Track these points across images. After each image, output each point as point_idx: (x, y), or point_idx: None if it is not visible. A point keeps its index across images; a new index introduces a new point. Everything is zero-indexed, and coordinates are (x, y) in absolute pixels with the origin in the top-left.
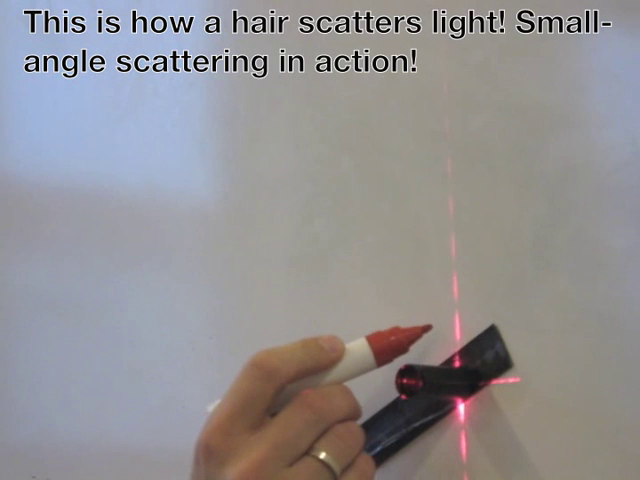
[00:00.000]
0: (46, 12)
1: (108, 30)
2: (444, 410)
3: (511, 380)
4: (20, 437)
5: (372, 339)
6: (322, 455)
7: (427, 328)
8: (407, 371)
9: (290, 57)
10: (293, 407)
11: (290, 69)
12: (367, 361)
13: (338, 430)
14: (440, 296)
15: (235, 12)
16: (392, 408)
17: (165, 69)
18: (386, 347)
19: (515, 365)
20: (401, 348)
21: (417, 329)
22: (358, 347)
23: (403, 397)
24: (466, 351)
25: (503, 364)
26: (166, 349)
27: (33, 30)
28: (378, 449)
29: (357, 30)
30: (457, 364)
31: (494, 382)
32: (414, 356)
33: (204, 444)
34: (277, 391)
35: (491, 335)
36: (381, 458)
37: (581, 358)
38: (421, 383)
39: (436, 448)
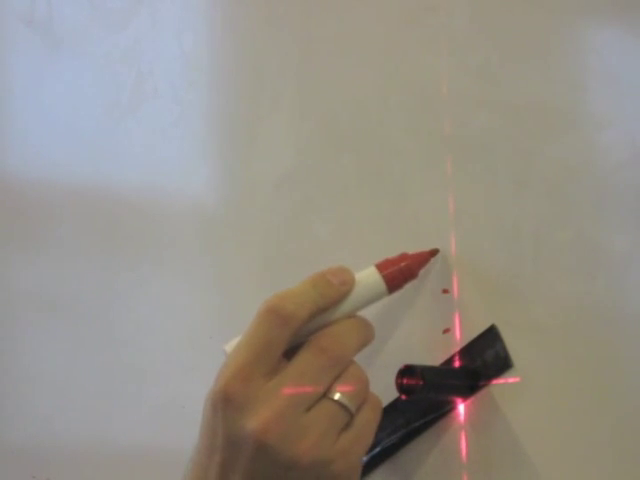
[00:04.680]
0: (46, 12)
1: (108, 30)
2: (444, 410)
3: (511, 380)
4: (20, 437)
5: (381, 266)
6: (337, 396)
7: (434, 252)
8: (407, 371)
9: (290, 57)
10: (308, 352)
11: (290, 69)
12: (378, 289)
13: (351, 370)
14: (440, 297)
15: (236, 11)
16: (392, 408)
17: (165, 69)
18: (396, 273)
19: (515, 365)
20: (411, 273)
21: (425, 253)
22: (368, 276)
23: (403, 397)
24: (466, 351)
25: (503, 364)
26: (166, 349)
27: (33, 30)
28: (378, 449)
29: (357, 30)
30: (457, 364)
31: (494, 382)
32: (414, 356)
33: (222, 391)
34: (290, 333)
35: (491, 335)
36: (381, 458)
37: (581, 358)
38: (421, 383)
39: (436, 448)
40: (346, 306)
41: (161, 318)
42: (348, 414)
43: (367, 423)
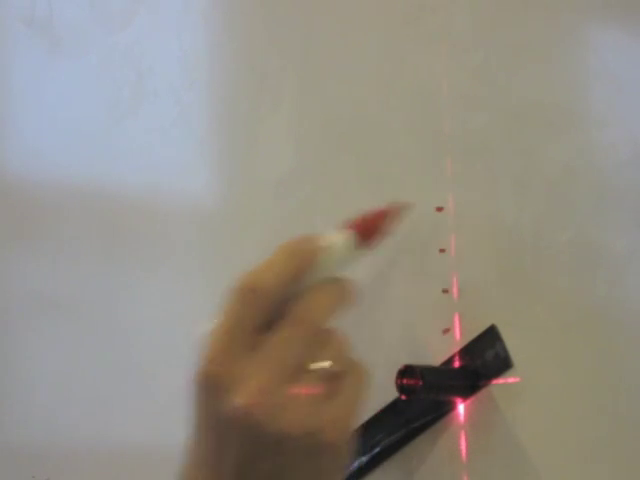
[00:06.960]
0: (46, 12)
1: (108, 30)
2: (444, 410)
3: (511, 380)
4: (20, 437)
5: (350, 225)
6: (319, 365)
7: (404, 205)
8: (407, 371)
9: (290, 57)
10: (286, 326)
11: (290, 69)
12: (348, 247)
13: (331, 336)
14: (440, 297)
15: (235, 11)
16: (392, 408)
17: (165, 69)
18: (365, 229)
19: (515, 365)
20: (380, 227)
21: (394, 206)
22: (337, 237)
23: (403, 397)
24: (466, 351)
25: (503, 364)
26: (166, 349)
27: (33, 30)
28: (378, 449)
29: (357, 30)
30: (457, 364)
31: (494, 382)
32: (414, 356)
33: (202, 374)
34: (264, 307)
35: (491, 335)
36: (381, 458)
37: (581, 358)
38: (421, 383)
39: (436, 448)
40: (320, 271)
41: (161, 318)
42: (332, 382)
43: (353, 389)
